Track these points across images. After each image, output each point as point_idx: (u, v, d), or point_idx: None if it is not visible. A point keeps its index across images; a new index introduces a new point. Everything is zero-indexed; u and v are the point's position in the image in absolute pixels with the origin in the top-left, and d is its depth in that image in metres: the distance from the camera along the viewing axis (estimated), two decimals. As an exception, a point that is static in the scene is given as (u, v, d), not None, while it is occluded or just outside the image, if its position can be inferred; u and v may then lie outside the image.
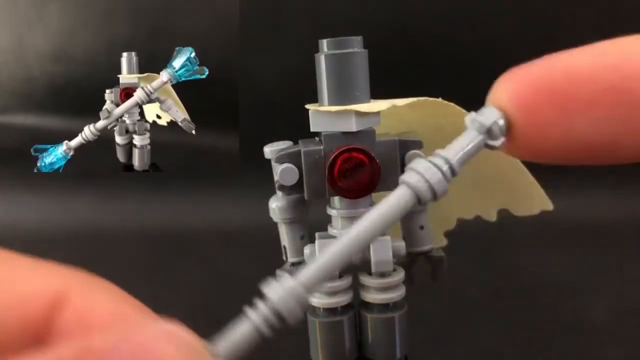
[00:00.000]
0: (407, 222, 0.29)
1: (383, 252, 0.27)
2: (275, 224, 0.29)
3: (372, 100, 0.26)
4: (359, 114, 0.25)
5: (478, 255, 0.53)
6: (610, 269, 0.49)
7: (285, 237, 0.29)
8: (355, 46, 0.26)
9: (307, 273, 0.17)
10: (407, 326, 0.29)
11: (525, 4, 0.65)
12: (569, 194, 0.62)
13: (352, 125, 0.25)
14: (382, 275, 0.28)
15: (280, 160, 0.26)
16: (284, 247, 0.29)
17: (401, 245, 0.28)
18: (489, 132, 0.17)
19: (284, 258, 0.29)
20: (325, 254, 0.17)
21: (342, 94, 0.26)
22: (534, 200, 0.30)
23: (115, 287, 0.19)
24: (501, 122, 0.17)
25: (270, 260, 0.32)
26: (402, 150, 0.26)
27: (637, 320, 0.39)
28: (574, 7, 0.64)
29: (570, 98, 0.16)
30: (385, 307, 0.28)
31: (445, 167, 0.17)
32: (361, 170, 0.25)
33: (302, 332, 0.30)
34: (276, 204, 0.28)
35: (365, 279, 0.28)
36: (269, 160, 0.28)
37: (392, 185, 0.27)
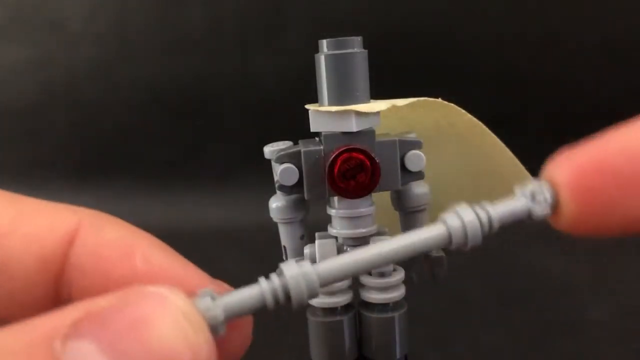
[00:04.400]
0: (407, 222, 0.29)
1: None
2: (275, 224, 0.29)
3: (372, 100, 0.26)
4: (359, 114, 0.25)
5: (478, 255, 0.53)
6: (610, 269, 0.49)
7: (285, 237, 0.29)
8: (355, 46, 0.26)
9: (325, 266, 0.18)
10: (407, 326, 0.29)
11: (525, 5, 0.65)
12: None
13: (352, 125, 0.25)
14: (382, 275, 0.28)
15: (280, 160, 0.26)
16: (284, 247, 0.29)
17: (401, 245, 0.28)
18: (537, 204, 0.18)
19: (284, 258, 0.29)
20: (347, 256, 0.18)
21: (342, 94, 0.26)
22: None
23: (123, 221, 0.20)
24: (552, 198, 0.18)
25: (270, 260, 0.32)
26: (402, 150, 0.26)
27: (637, 320, 0.39)
28: (573, 8, 0.64)
29: (631, 178, 0.16)
30: (385, 307, 0.28)
31: (485, 222, 0.18)
32: (361, 170, 0.25)
33: (302, 332, 0.30)
34: (276, 204, 0.28)
35: (365, 279, 0.28)
36: (269, 160, 0.28)
37: (392, 185, 0.27)
